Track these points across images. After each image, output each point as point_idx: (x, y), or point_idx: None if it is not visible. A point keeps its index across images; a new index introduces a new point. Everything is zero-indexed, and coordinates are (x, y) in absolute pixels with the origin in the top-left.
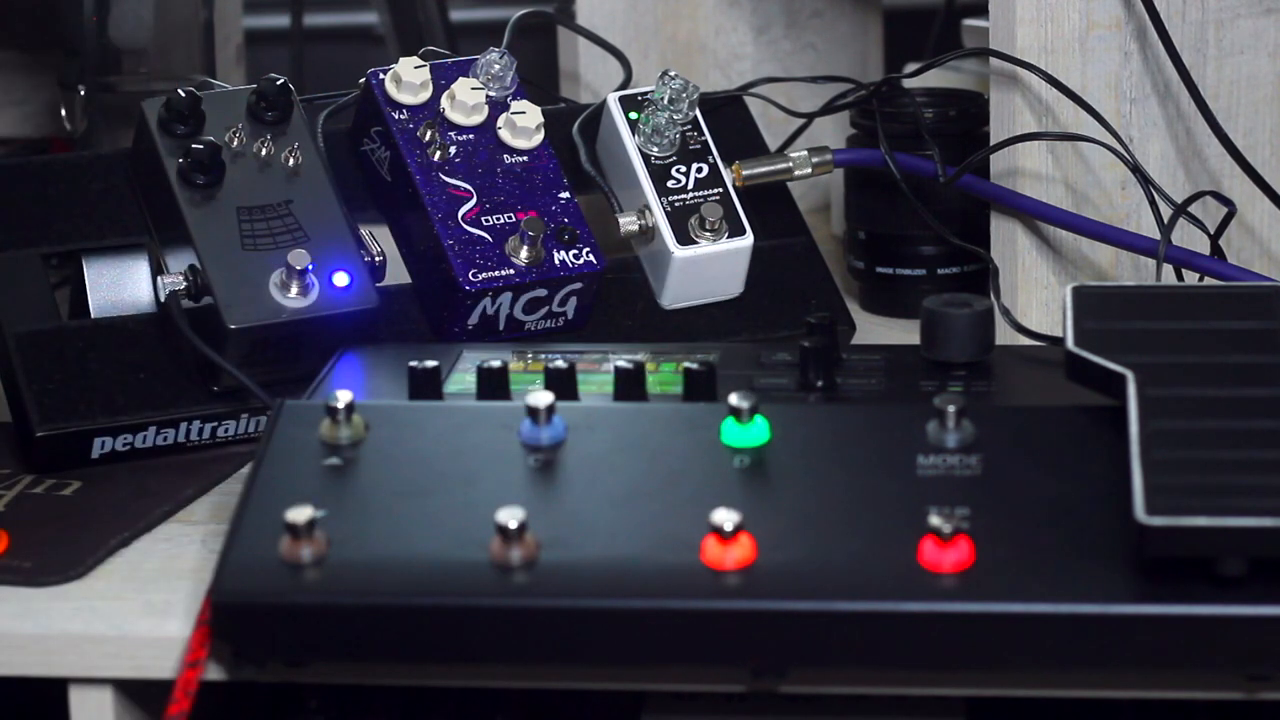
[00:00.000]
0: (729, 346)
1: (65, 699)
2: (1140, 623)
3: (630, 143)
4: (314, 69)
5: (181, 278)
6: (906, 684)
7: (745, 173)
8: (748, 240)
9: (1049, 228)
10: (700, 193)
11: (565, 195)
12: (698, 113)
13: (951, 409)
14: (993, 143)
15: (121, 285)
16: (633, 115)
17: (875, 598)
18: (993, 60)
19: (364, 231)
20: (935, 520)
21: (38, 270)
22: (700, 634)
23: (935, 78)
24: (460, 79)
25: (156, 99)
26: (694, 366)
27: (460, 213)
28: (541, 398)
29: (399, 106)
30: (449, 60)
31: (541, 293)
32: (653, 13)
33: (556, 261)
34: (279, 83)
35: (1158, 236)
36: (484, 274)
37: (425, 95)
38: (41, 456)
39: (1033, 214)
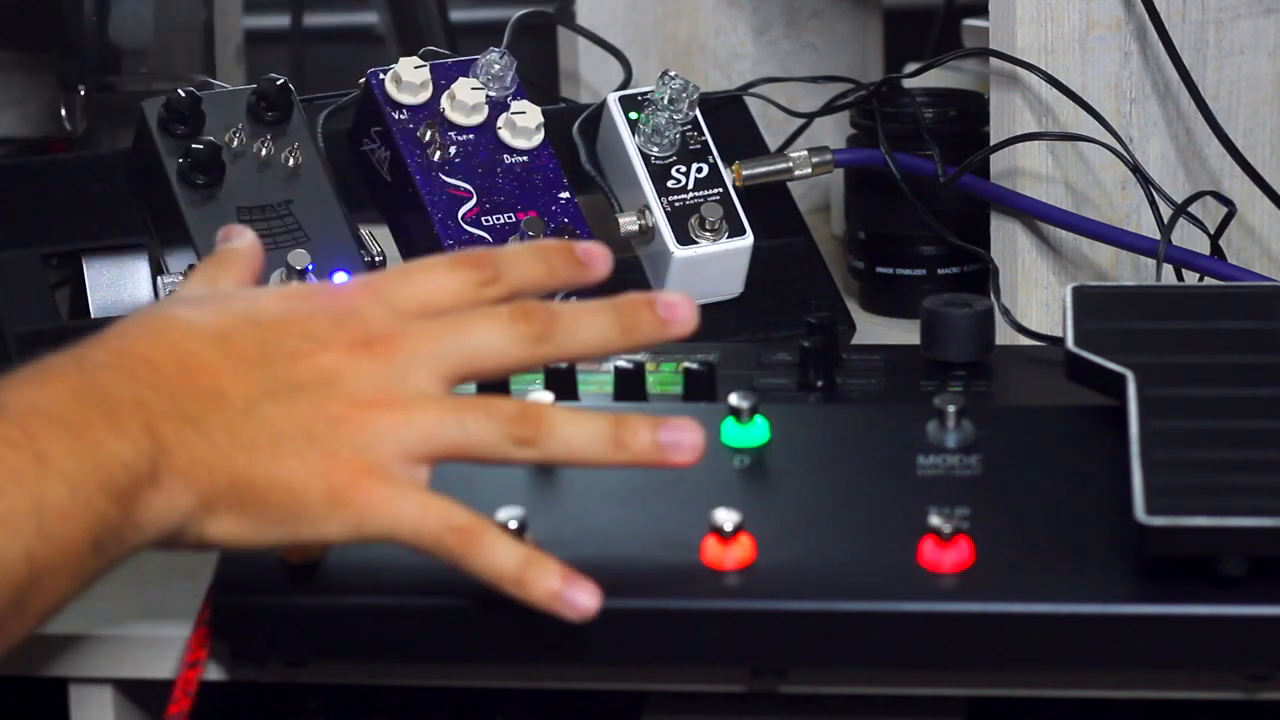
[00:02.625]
0: (729, 346)
1: (65, 699)
2: (1140, 623)
3: (630, 143)
4: (314, 69)
5: (181, 278)
6: (906, 684)
7: (745, 173)
8: (748, 240)
9: (1049, 228)
10: (700, 193)
11: (565, 195)
12: (698, 113)
13: (951, 409)
14: (993, 143)
15: (121, 285)
16: (633, 115)
17: (875, 598)
18: (993, 60)
19: (364, 231)
20: (935, 520)
21: (38, 270)
22: (700, 634)
23: (935, 78)
24: (460, 79)
25: (156, 99)
26: (694, 366)
27: (460, 213)
28: (542, 398)
29: (399, 106)
30: (449, 60)
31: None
32: (653, 13)
33: None
34: (279, 83)
35: (1158, 236)
36: None
37: (425, 95)
38: None
39: (1033, 214)
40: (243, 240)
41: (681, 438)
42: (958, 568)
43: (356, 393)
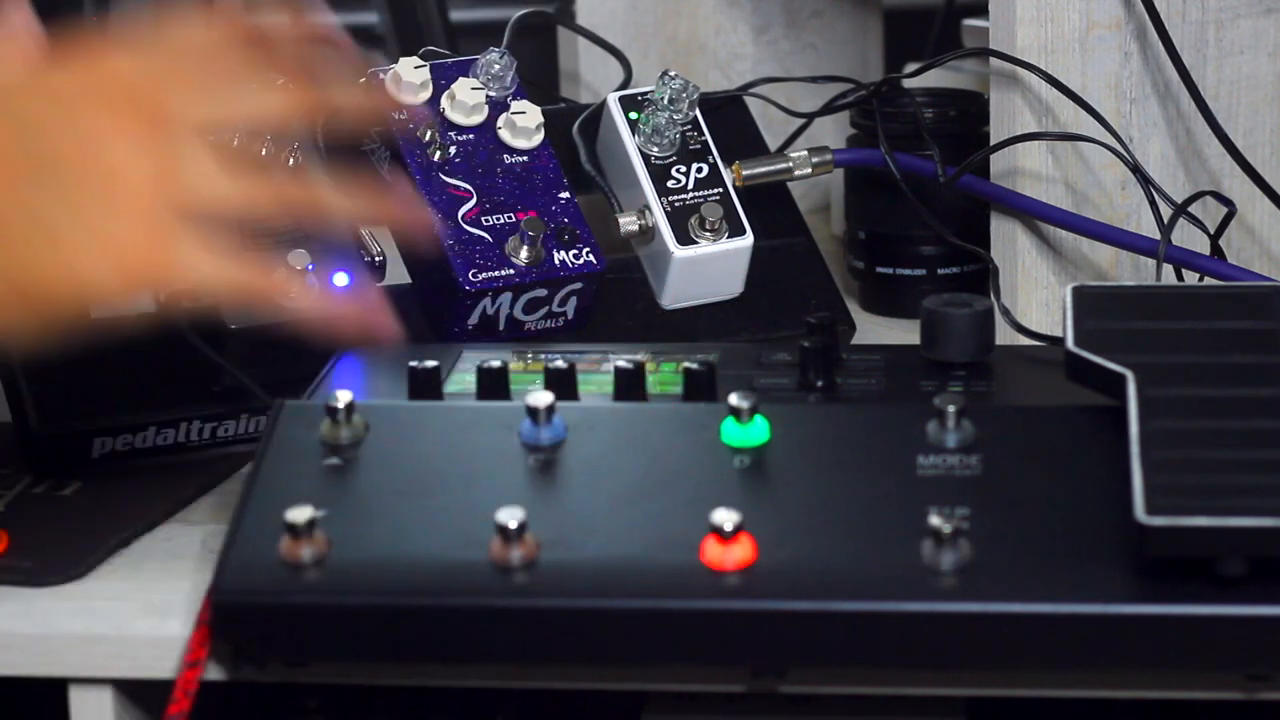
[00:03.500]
0: (729, 346)
1: (65, 699)
2: (1140, 623)
3: (630, 143)
4: None
5: None
6: (906, 684)
7: (745, 173)
8: (748, 240)
9: (1049, 228)
10: (700, 193)
11: (565, 195)
12: (698, 113)
13: (951, 409)
14: (993, 143)
15: None
16: (633, 115)
17: (875, 598)
18: (993, 60)
19: (364, 231)
20: (935, 520)
21: None
22: (700, 634)
23: (935, 78)
24: (460, 79)
25: None
26: (694, 366)
27: (460, 213)
28: (541, 398)
29: (399, 106)
30: (449, 60)
31: (541, 293)
32: (653, 13)
33: (556, 261)
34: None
35: (1158, 236)
36: (484, 274)
37: (425, 95)
38: (41, 456)
39: (1033, 214)
40: (13, 20)
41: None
42: (953, 568)
43: (127, 163)
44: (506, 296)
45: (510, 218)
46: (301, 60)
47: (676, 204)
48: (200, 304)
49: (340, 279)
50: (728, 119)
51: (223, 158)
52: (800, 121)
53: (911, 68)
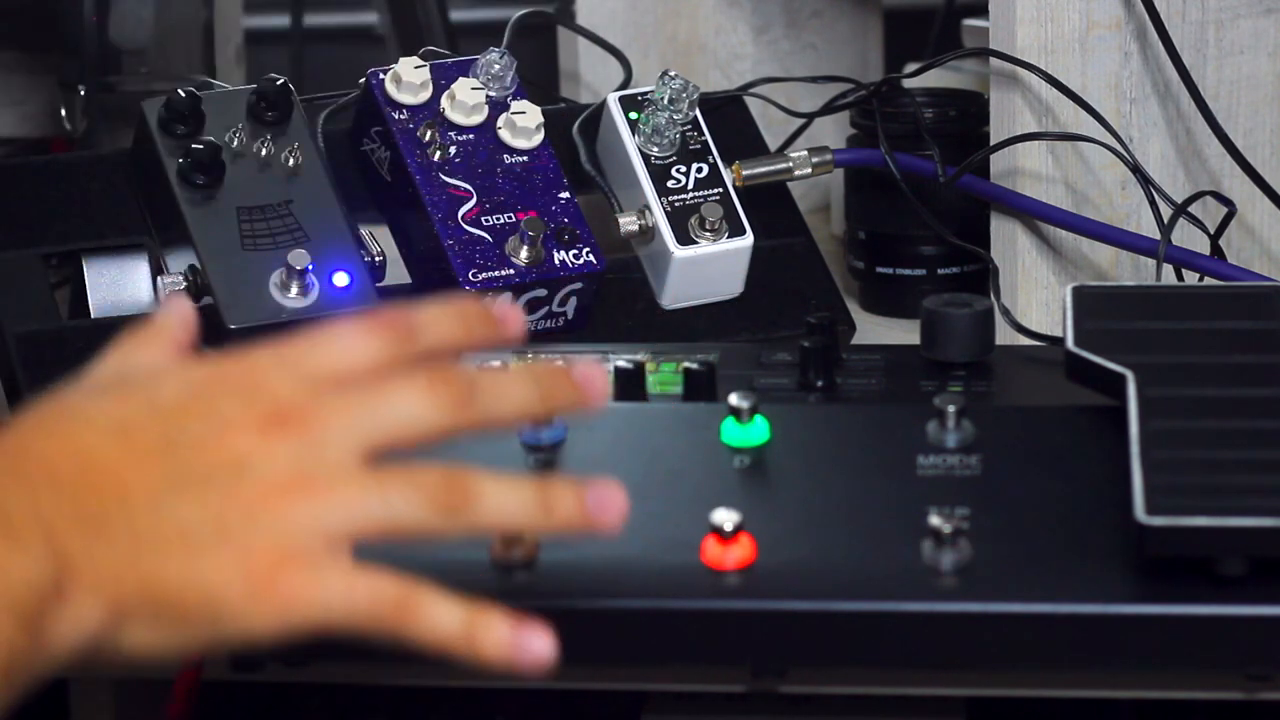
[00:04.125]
0: (729, 346)
1: (65, 699)
2: (1140, 623)
3: (630, 143)
4: (314, 69)
5: (181, 278)
6: (906, 684)
7: (745, 173)
8: (748, 240)
9: (1049, 228)
10: (700, 193)
11: (565, 195)
12: (698, 113)
13: (951, 409)
14: (993, 143)
15: (121, 285)
16: (633, 115)
17: (875, 598)
18: (993, 60)
19: (364, 231)
20: (935, 520)
21: (38, 270)
22: (700, 634)
23: (935, 78)
24: (460, 79)
25: (156, 99)
26: (694, 366)
27: (460, 213)
28: None
29: (399, 106)
30: (449, 60)
31: (541, 293)
32: (653, 13)
33: (556, 261)
34: (279, 83)
35: (1158, 236)
36: (484, 274)
37: (425, 95)
38: None
39: (1033, 214)
40: (169, 312)
41: (607, 499)
42: (953, 568)
43: (270, 476)
44: (506, 297)
45: (510, 218)
46: (465, 377)
47: (676, 204)
48: (331, 632)
49: (340, 279)
50: (728, 119)
51: (374, 479)
52: (800, 121)
53: (911, 68)
